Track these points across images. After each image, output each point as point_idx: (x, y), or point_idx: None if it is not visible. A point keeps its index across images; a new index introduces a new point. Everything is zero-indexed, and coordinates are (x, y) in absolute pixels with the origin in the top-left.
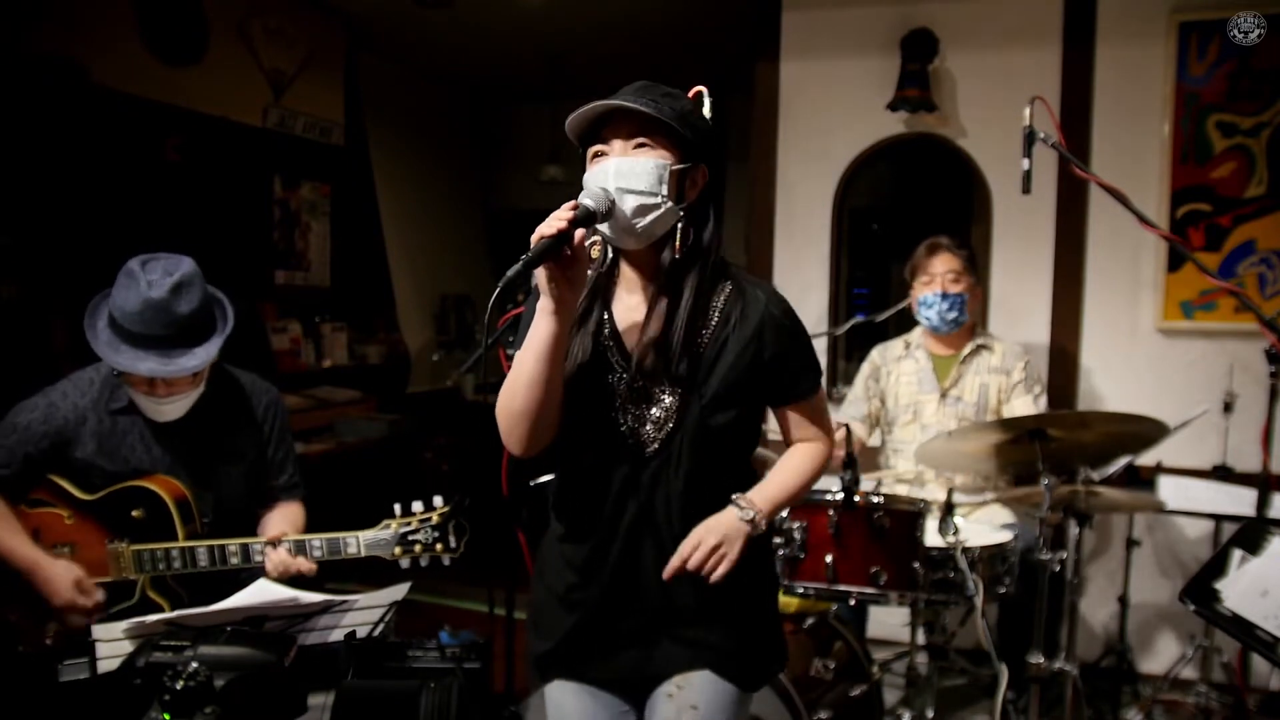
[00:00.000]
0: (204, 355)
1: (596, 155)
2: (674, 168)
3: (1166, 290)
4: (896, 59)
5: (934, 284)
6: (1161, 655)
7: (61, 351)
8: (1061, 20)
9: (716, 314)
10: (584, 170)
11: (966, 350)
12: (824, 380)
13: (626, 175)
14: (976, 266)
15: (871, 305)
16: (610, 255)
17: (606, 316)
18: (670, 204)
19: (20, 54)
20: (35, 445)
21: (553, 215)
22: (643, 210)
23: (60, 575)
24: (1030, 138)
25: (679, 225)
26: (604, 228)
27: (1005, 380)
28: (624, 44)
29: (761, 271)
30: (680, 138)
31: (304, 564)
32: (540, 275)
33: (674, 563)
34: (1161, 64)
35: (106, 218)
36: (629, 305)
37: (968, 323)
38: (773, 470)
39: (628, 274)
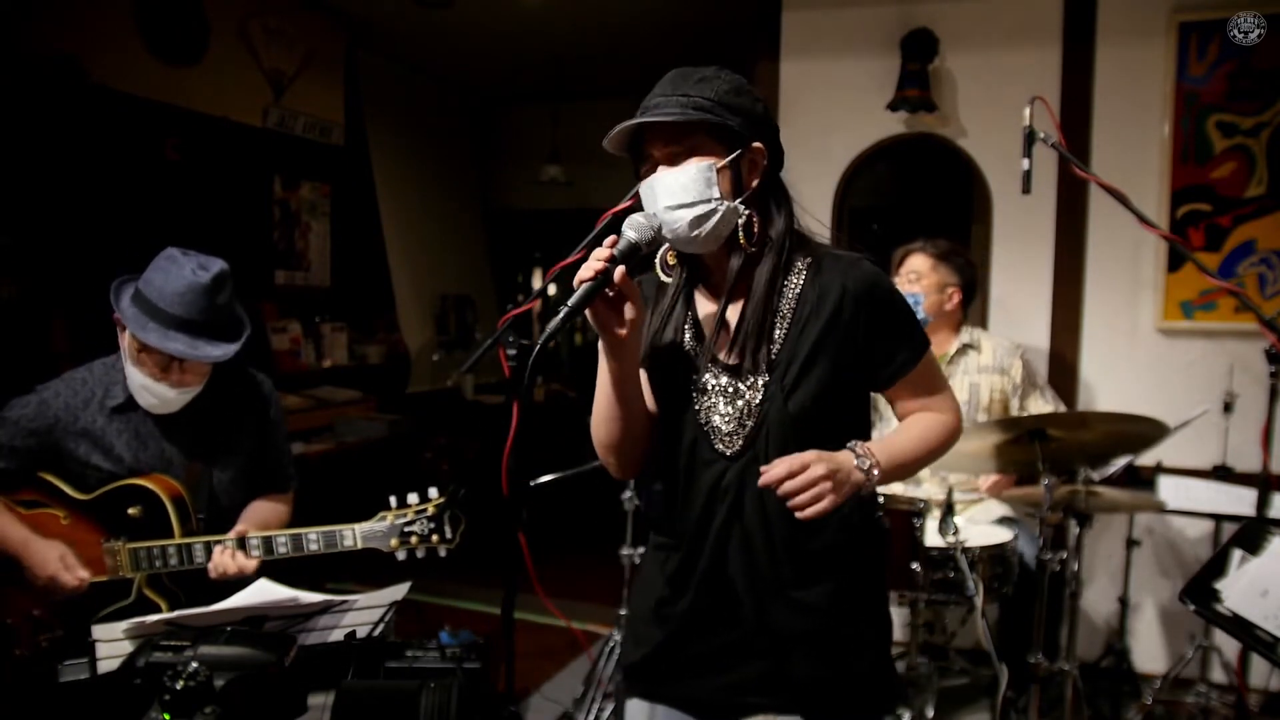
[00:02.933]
0: (227, 351)
1: (645, 172)
2: (721, 165)
3: (1166, 290)
4: (896, 59)
5: (898, 284)
6: (1161, 655)
7: (61, 351)
8: (1061, 20)
9: (794, 296)
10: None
11: (952, 350)
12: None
13: (673, 190)
14: (961, 266)
15: None
16: (685, 264)
17: (690, 318)
18: (726, 204)
19: (20, 53)
20: (23, 440)
21: (593, 255)
22: (698, 220)
23: (48, 551)
24: (1030, 138)
25: (741, 221)
26: (670, 240)
27: (1001, 379)
28: (624, 44)
29: None
30: (723, 129)
31: (242, 561)
32: (589, 317)
33: (772, 471)
34: (1161, 64)
35: (106, 218)
36: (710, 305)
37: (948, 322)
38: (892, 432)
39: (705, 273)
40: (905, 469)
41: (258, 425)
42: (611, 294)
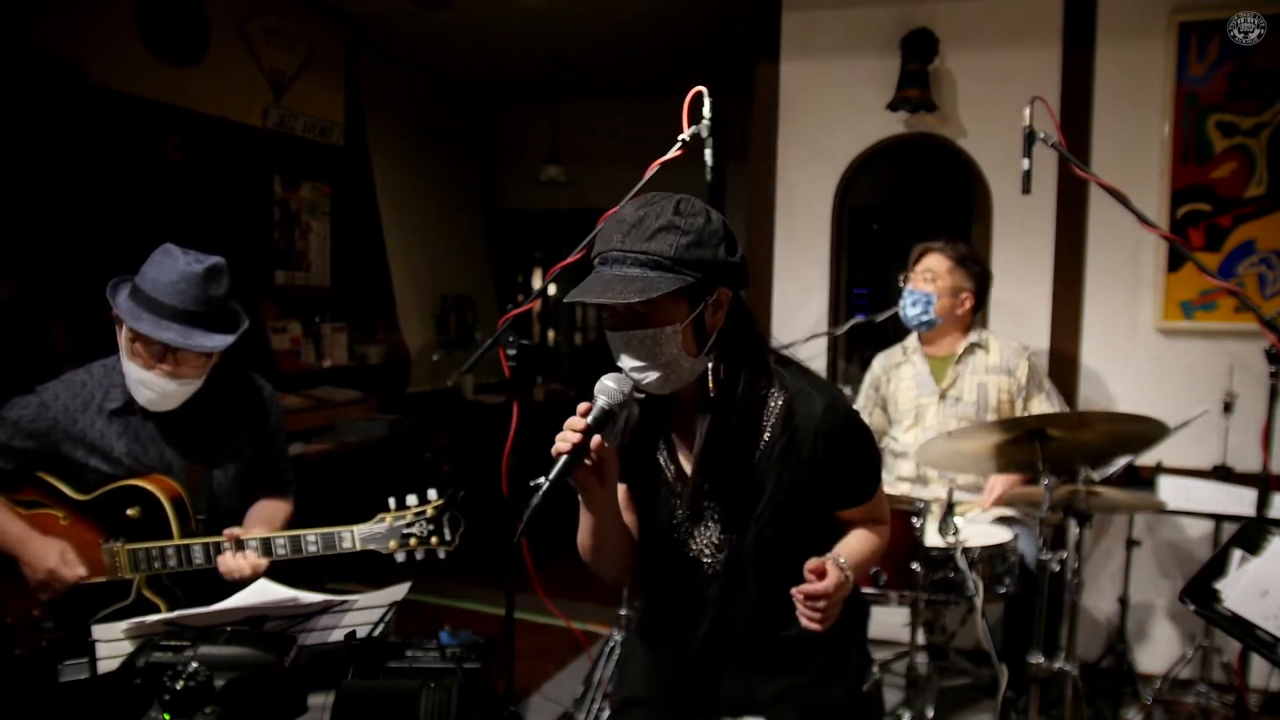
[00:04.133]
0: (221, 342)
1: (609, 322)
2: (683, 325)
3: (1166, 290)
4: (896, 59)
5: (910, 282)
6: (1161, 655)
7: (61, 351)
8: (1061, 20)
9: (768, 431)
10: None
11: (960, 350)
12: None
13: (636, 352)
14: (978, 273)
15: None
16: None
17: (663, 445)
18: (690, 361)
19: (19, 54)
20: (22, 441)
21: (567, 426)
22: (664, 380)
23: (47, 546)
24: (1030, 138)
25: (709, 366)
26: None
27: (1008, 380)
28: (624, 44)
29: (761, 272)
30: (685, 287)
31: (255, 561)
32: (572, 481)
33: (808, 589)
34: (1161, 64)
35: (106, 218)
36: (682, 432)
37: (958, 324)
38: (851, 541)
39: (679, 402)
40: (866, 569)
41: (257, 429)
42: (590, 461)
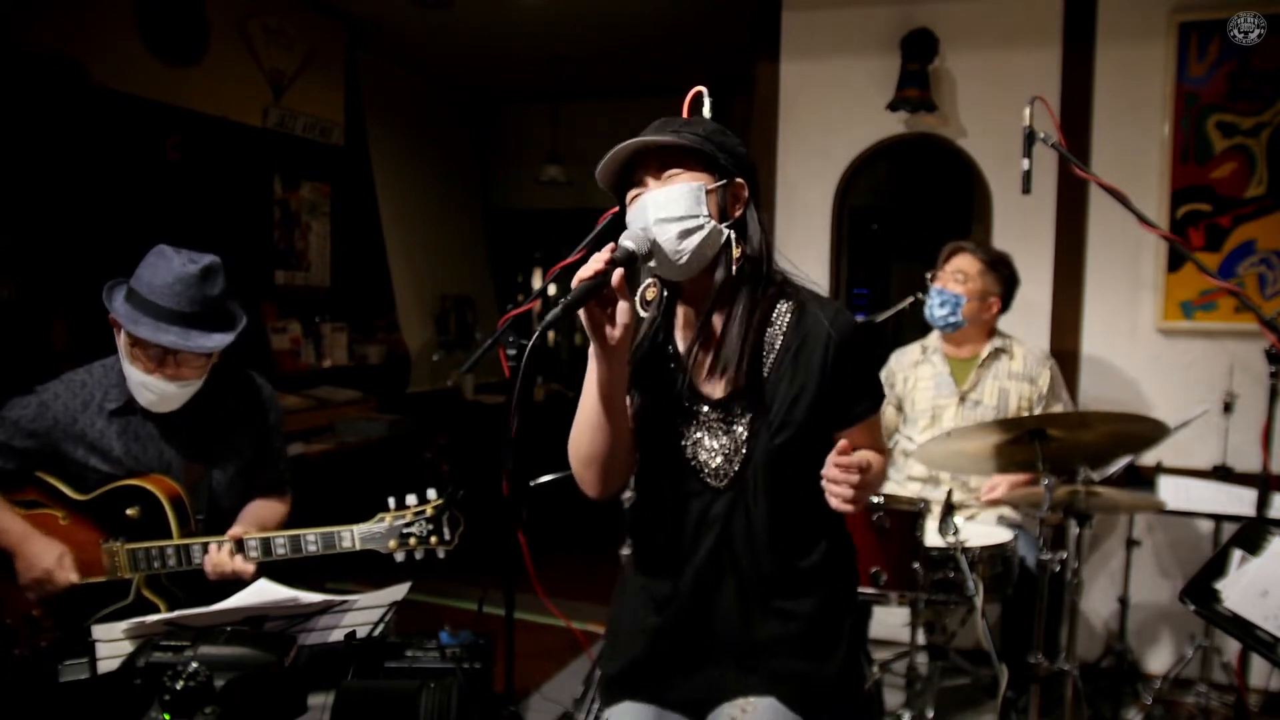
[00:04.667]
0: (220, 341)
1: (634, 195)
2: (710, 187)
3: (1166, 290)
4: (896, 59)
5: (939, 281)
6: (1161, 655)
7: (61, 351)
8: (1061, 20)
9: (780, 339)
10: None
11: (985, 354)
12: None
13: (664, 205)
14: (1006, 277)
15: (871, 305)
16: (666, 294)
17: (670, 350)
18: (713, 223)
19: (20, 54)
20: (22, 441)
21: (592, 258)
22: (686, 234)
23: (47, 548)
24: (1030, 138)
25: (727, 243)
26: (654, 265)
27: (1030, 388)
28: (624, 44)
29: None
30: (711, 159)
31: (240, 564)
32: (583, 318)
33: (844, 458)
34: (1161, 64)
35: (106, 218)
36: (691, 339)
37: (983, 328)
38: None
39: (686, 306)
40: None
41: (257, 429)
42: (609, 294)
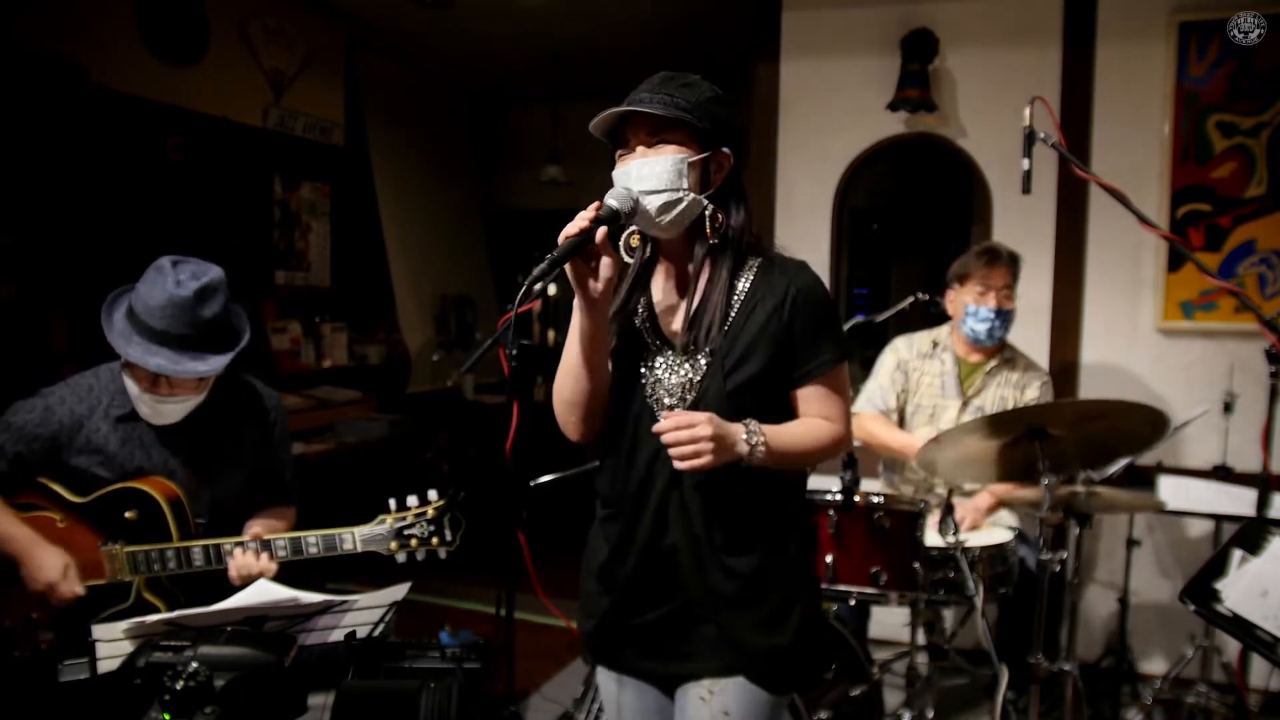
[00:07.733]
0: (215, 365)
1: (622, 155)
2: (692, 159)
3: (1166, 290)
4: (896, 59)
5: (988, 297)
6: (1161, 655)
7: (62, 351)
8: (1061, 20)
9: (745, 291)
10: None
11: (995, 361)
12: (847, 365)
13: (646, 176)
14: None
15: (871, 305)
16: (649, 246)
17: (644, 301)
18: (693, 195)
19: (20, 54)
20: (27, 446)
21: (578, 215)
22: (666, 206)
23: (53, 558)
24: (1030, 138)
25: (707, 212)
26: (637, 220)
27: (1019, 395)
28: (624, 44)
29: None
30: (699, 129)
31: (265, 563)
32: (569, 272)
33: (665, 423)
34: (1161, 64)
35: (107, 218)
36: (666, 290)
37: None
38: (788, 424)
39: (665, 262)
40: (792, 457)
41: (260, 438)
42: (594, 250)
